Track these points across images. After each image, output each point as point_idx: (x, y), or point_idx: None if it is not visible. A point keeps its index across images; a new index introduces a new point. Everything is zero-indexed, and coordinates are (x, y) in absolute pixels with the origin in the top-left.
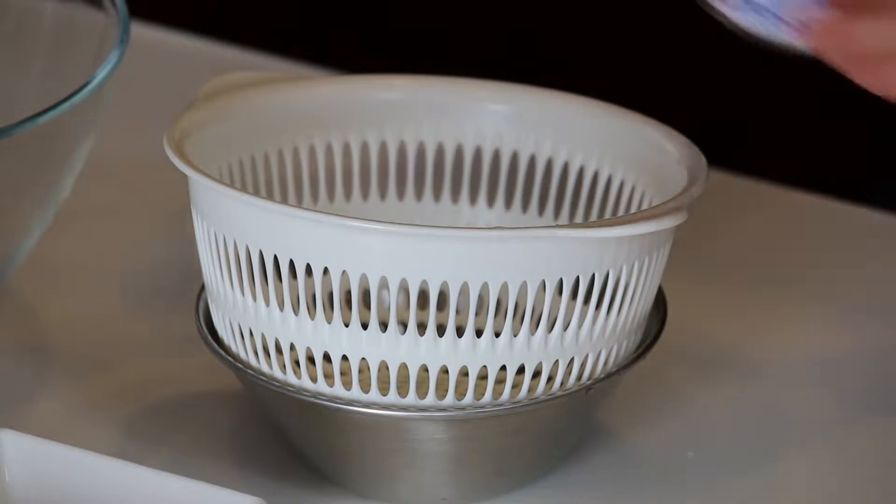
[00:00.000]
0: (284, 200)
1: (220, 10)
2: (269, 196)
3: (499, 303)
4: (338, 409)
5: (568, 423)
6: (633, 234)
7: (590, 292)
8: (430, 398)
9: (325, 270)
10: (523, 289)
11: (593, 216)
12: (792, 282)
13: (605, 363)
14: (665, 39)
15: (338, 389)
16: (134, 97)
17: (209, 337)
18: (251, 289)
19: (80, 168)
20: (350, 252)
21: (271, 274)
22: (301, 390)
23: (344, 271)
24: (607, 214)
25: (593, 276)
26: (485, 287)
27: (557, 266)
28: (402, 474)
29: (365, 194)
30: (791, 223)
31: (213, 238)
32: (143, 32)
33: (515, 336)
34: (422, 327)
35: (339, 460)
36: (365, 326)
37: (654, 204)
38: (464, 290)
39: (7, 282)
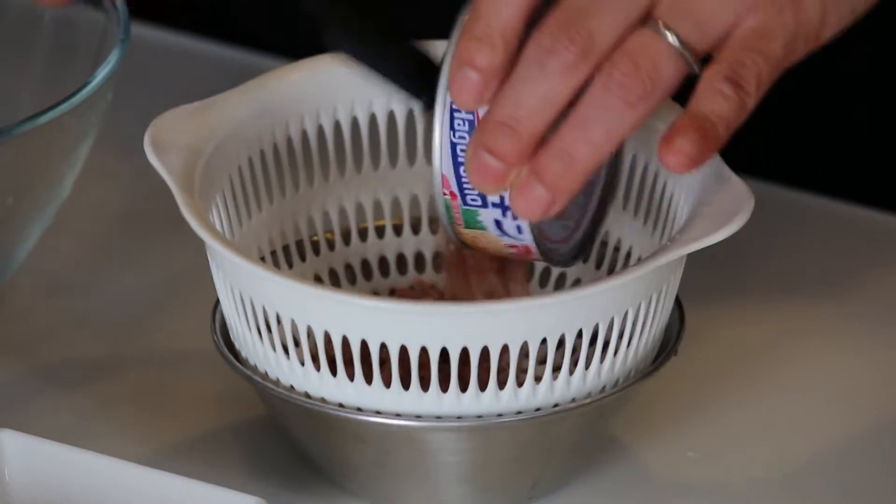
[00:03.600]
0: (297, 187)
1: (221, 11)
2: (294, 178)
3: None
4: (350, 419)
5: (580, 435)
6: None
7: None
8: (453, 391)
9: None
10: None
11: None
12: (801, 288)
13: (617, 383)
14: None
15: (348, 391)
16: (134, 97)
17: (224, 346)
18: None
19: (80, 168)
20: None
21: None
22: (320, 401)
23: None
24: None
25: (612, 319)
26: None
27: (585, 317)
28: (411, 483)
29: (376, 165)
30: (800, 227)
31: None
32: (143, 32)
33: (538, 383)
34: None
35: (350, 468)
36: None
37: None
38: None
39: (7, 281)
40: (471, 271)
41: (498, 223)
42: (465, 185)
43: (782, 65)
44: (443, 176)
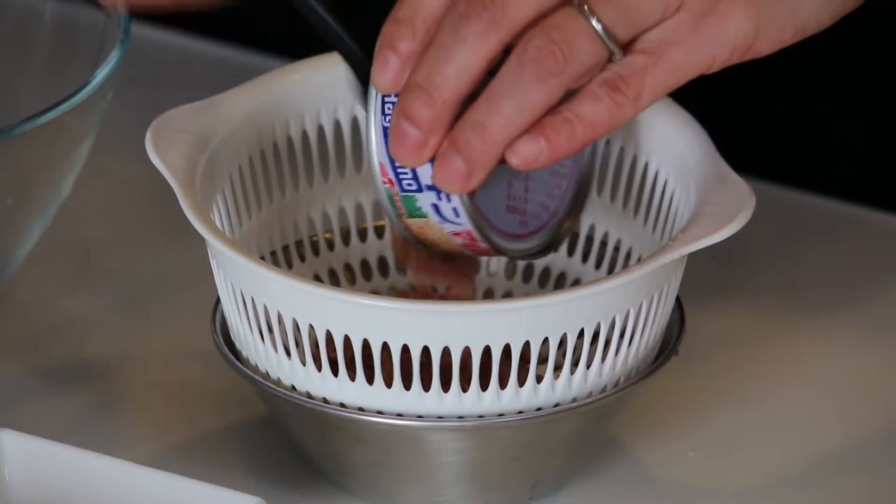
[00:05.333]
0: (296, 187)
1: (221, 11)
2: (294, 178)
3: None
4: (351, 418)
5: (581, 435)
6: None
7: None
8: (454, 389)
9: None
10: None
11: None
12: (802, 288)
13: (618, 383)
14: None
15: (349, 391)
16: (134, 97)
17: (224, 346)
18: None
19: (80, 168)
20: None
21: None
22: (321, 401)
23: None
24: (628, 192)
25: (613, 318)
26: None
27: (586, 316)
28: (412, 482)
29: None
30: (801, 228)
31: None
32: (143, 32)
33: (539, 383)
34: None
35: (350, 468)
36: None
37: (672, 187)
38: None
39: (7, 281)
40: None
41: (436, 207)
42: (399, 170)
43: (688, 72)
44: (380, 164)
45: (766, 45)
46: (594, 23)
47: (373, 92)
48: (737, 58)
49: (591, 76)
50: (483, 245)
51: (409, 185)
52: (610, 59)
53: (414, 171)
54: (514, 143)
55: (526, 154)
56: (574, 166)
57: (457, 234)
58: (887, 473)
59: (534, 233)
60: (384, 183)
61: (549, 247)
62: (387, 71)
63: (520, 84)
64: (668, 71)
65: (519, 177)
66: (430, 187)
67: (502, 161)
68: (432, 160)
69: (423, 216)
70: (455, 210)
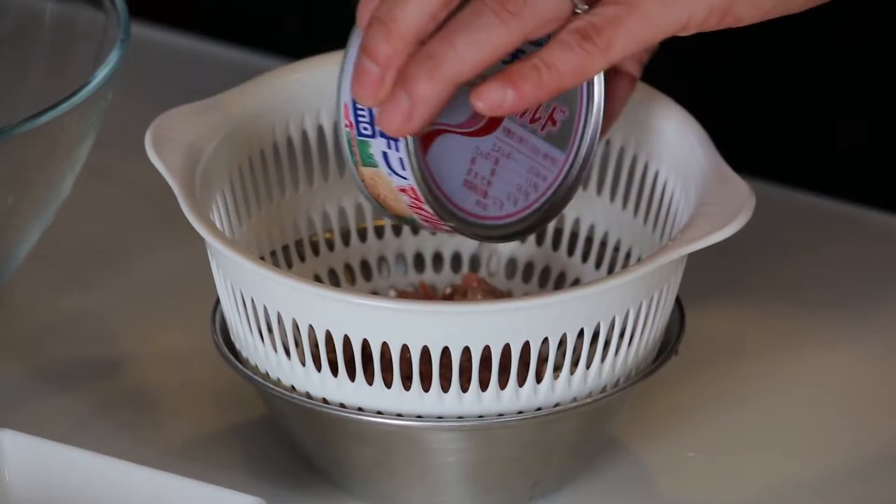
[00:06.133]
0: (296, 187)
1: (221, 10)
2: (294, 178)
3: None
4: (351, 418)
5: (581, 435)
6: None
7: (611, 327)
8: (454, 389)
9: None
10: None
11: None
12: (801, 288)
13: (618, 383)
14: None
15: (349, 391)
16: (134, 97)
17: (224, 346)
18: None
19: (80, 168)
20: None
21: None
22: (321, 401)
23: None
24: (629, 191)
25: (613, 318)
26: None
27: (586, 316)
28: (412, 482)
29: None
30: (801, 228)
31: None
32: (143, 32)
33: (539, 383)
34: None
35: (350, 468)
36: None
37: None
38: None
39: (7, 282)
40: None
41: (385, 156)
42: (359, 112)
43: (662, 27)
44: (344, 106)
45: (746, 12)
46: None
47: (354, 31)
48: (715, 20)
49: (552, 27)
50: (426, 208)
51: (365, 129)
52: (574, 13)
53: (371, 113)
54: (479, 87)
55: (491, 98)
56: (558, 175)
57: (402, 189)
58: (888, 473)
59: (490, 218)
60: (346, 126)
61: (499, 238)
62: (367, 5)
63: (477, 20)
64: (640, 22)
65: (488, 157)
66: (383, 133)
67: (477, 133)
68: None
69: (375, 165)
70: (401, 161)
